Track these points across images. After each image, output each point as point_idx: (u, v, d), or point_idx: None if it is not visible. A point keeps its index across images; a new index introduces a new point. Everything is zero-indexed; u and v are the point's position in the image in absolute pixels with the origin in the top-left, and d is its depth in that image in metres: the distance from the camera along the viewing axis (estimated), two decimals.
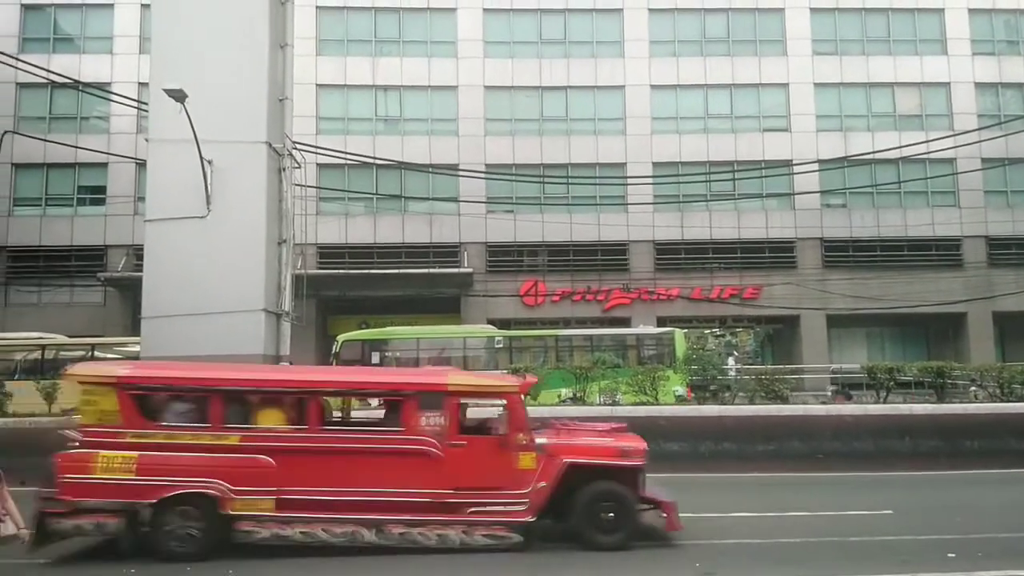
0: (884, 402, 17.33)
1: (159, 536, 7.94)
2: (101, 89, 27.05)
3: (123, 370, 8.70)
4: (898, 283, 29.55)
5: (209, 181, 15.64)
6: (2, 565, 7.79)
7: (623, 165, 30.55)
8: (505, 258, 30.15)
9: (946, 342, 30.90)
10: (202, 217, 15.71)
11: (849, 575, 7.34)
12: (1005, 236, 30.60)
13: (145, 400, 8.42)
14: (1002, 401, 16.36)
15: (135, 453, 8.02)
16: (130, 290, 26.39)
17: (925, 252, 30.49)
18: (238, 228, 15.82)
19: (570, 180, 30.30)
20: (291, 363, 17.46)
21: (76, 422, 10.45)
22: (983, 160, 30.10)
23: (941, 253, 30.57)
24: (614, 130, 31.08)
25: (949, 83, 31.59)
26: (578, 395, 17.49)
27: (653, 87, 31.25)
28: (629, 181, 29.64)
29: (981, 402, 16.86)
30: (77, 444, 8.24)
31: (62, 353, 22.89)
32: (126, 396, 8.19)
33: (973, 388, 18.33)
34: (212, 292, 15.38)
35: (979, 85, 31.67)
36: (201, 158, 15.32)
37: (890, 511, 10.40)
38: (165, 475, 7.95)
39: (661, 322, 27.76)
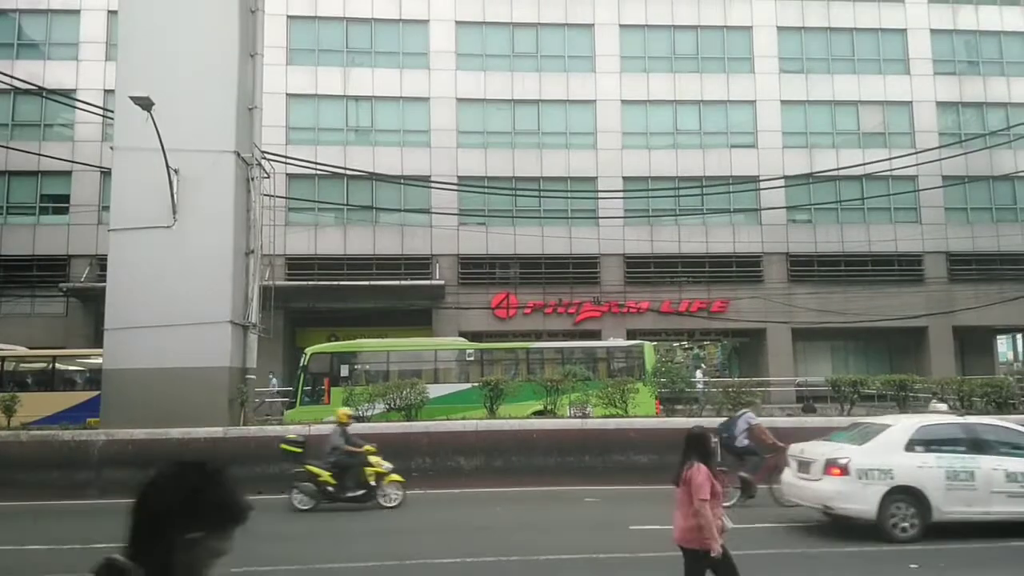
0: (848, 415, 17.58)
1: None
2: (66, 96, 26.63)
3: None
4: (861, 297, 30.10)
5: (175, 190, 15.47)
6: None
7: (594, 179, 30.76)
8: (477, 270, 30.13)
9: (908, 355, 31.47)
10: (168, 227, 15.55)
11: None
12: (965, 252, 31.32)
13: None
14: (966, 415, 16.66)
15: None
16: (93, 301, 25.88)
17: (888, 267, 31.09)
18: (205, 238, 15.67)
19: (542, 193, 30.42)
20: (272, 375, 17.23)
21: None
22: (944, 177, 30.81)
23: (903, 268, 31.20)
24: (585, 144, 31.31)
25: (911, 102, 32.37)
26: (548, 408, 17.50)
27: (624, 102, 31.56)
28: (600, 195, 29.85)
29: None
30: None
31: (22, 365, 22.41)
32: None
33: (934, 401, 18.66)
34: (177, 303, 15.18)
35: (940, 104, 32.49)
36: (168, 167, 15.16)
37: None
38: None
39: (631, 335, 27.89)
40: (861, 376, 19.22)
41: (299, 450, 12.09)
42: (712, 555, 5.32)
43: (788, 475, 10.51)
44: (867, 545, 9.08)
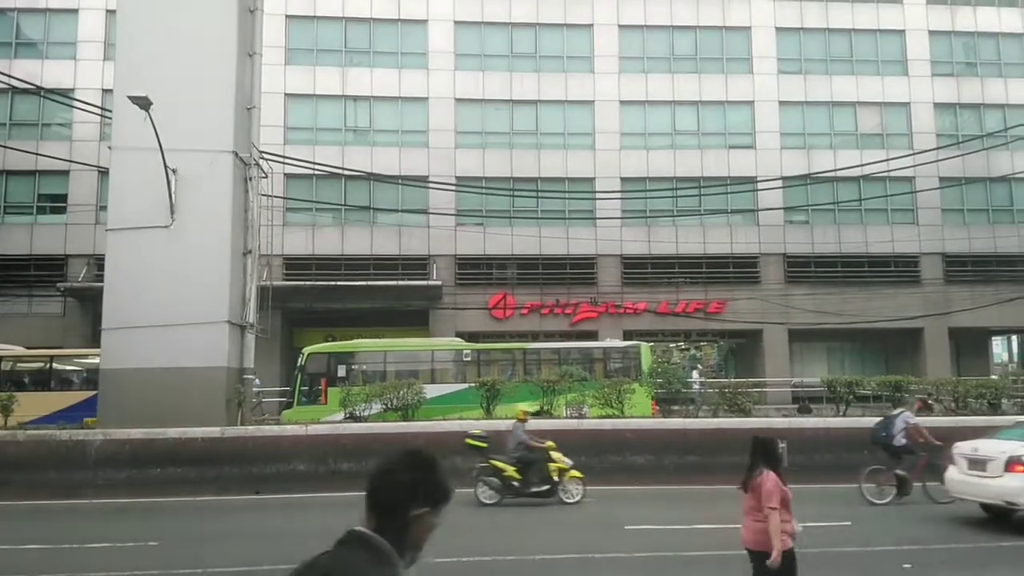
0: (844, 415, 17.64)
1: None
2: (64, 95, 26.62)
3: None
4: (858, 298, 30.16)
5: (173, 190, 15.50)
6: None
7: (592, 180, 30.78)
8: (474, 271, 30.16)
9: (904, 356, 31.54)
10: (166, 227, 15.58)
11: None
12: (961, 253, 31.37)
13: None
14: (955, 415, 16.76)
15: None
16: (91, 300, 25.88)
17: (884, 268, 31.14)
18: (202, 238, 15.69)
19: (540, 194, 30.45)
20: (255, 375, 17.27)
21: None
22: (941, 179, 30.87)
23: (900, 269, 31.26)
24: (583, 145, 31.33)
25: (909, 103, 32.41)
26: (545, 408, 17.55)
27: (622, 103, 31.59)
28: (598, 195, 29.88)
29: (937, 416, 17.24)
30: None
31: (19, 364, 22.41)
32: None
33: (930, 402, 18.73)
34: (175, 303, 15.21)
35: (938, 105, 32.54)
36: (165, 167, 15.18)
37: (848, 523, 10.57)
38: None
39: (628, 336, 27.93)
40: (857, 377, 19.28)
41: (484, 445, 12.37)
42: (768, 563, 5.39)
43: (954, 472, 10.63)
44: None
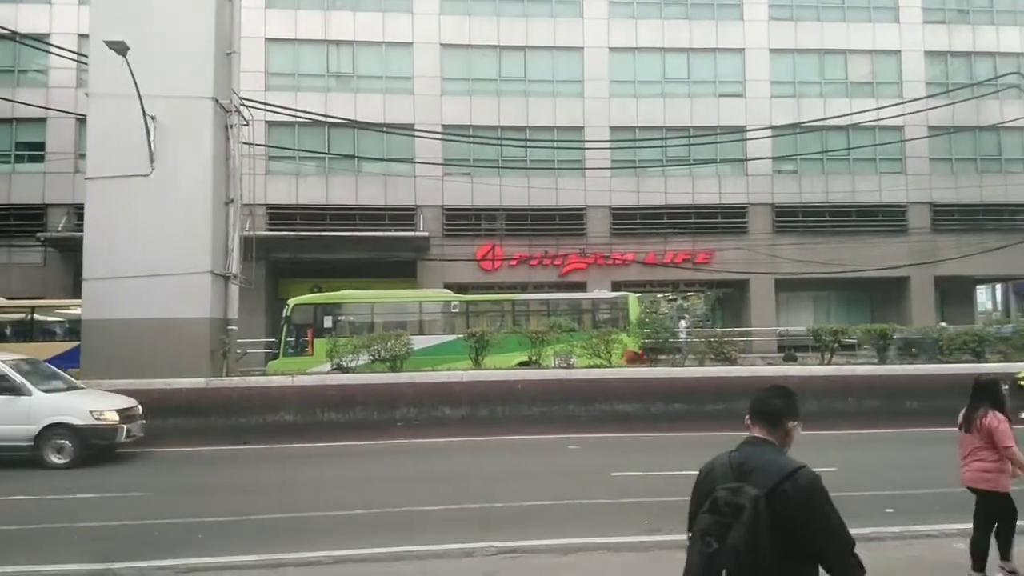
0: (828, 363, 17.81)
1: None
2: (39, 40, 25.79)
3: None
4: (845, 248, 30.23)
5: (152, 138, 15.17)
6: None
7: (581, 129, 30.41)
8: (462, 222, 29.91)
9: (889, 305, 31.81)
10: (145, 175, 15.30)
11: None
12: (948, 202, 31.41)
13: None
14: (941, 363, 16.96)
15: None
16: (71, 250, 25.53)
17: (872, 218, 31.16)
18: (183, 187, 15.45)
19: (528, 143, 30.06)
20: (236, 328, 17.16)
21: None
22: (930, 128, 30.70)
23: (887, 219, 31.29)
24: (572, 92, 30.84)
25: (900, 51, 32.03)
26: (533, 359, 17.60)
27: (611, 49, 31.03)
28: (587, 145, 29.54)
29: (921, 363, 17.44)
30: None
31: (0, 315, 22.21)
32: None
33: (914, 350, 18.94)
34: (157, 253, 15.05)
35: (928, 53, 32.18)
36: (144, 114, 14.82)
37: (834, 468, 10.70)
38: None
39: (616, 286, 27.96)
40: (842, 326, 19.42)
41: None
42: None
43: None
44: None
